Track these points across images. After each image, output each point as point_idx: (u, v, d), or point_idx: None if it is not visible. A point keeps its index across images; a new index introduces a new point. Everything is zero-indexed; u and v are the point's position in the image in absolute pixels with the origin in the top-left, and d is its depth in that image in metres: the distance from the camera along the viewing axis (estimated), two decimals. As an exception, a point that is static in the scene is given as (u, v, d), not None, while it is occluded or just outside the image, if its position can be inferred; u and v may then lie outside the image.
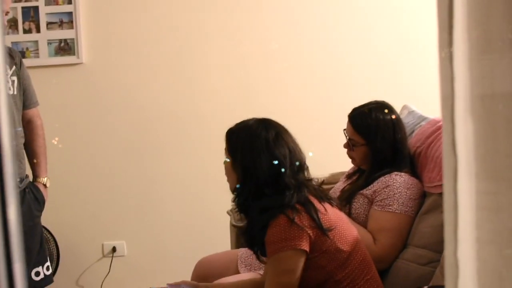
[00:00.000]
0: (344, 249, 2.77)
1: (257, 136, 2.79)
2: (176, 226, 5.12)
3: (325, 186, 3.85)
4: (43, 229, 4.84)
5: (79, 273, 5.18)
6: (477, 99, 1.15)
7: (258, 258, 2.94)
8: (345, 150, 3.54)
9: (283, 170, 2.74)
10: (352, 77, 5.05)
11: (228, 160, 2.85)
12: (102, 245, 5.17)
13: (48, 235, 4.95)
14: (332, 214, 2.80)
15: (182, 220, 5.11)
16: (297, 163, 2.81)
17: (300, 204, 2.72)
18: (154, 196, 5.12)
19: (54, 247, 4.96)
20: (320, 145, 4.91)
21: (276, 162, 2.73)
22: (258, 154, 2.75)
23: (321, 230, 2.70)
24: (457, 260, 1.20)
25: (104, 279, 5.12)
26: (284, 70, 5.10)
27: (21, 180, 3.75)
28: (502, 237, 1.13)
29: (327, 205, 2.83)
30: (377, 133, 3.34)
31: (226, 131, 2.90)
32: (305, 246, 2.68)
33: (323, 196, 2.88)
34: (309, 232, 2.68)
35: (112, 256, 5.15)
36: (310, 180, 2.89)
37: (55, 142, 4.95)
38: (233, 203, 2.94)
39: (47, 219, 4.83)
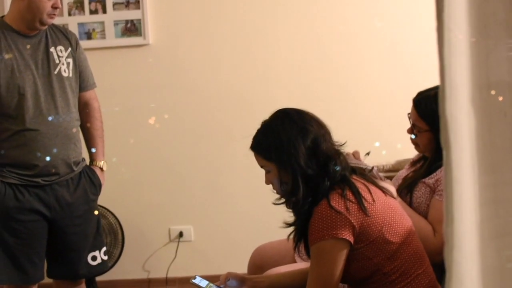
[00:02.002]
0: (393, 241, 2.68)
1: (281, 126, 2.76)
2: (243, 212, 5.08)
3: (390, 174, 3.72)
4: (111, 214, 4.84)
5: (145, 258, 5.18)
6: (476, 90, 1.11)
7: (307, 252, 2.87)
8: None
9: (316, 141, 2.70)
10: (422, 60, 4.87)
11: (269, 168, 2.78)
12: (169, 229, 5.14)
13: (114, 220, 4.94)
14: (380, 205, 2.70)
15: (249, 206, 5.06)
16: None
17: (346, 187, 2.67)
18: (221, 181, 5.09)
19: (120, 231, 4.95)
20: (400, 131, 4.76)
21: (306, 135, 2.70)
22: (290, 138, 2.70)
23: (363, 211, 2.62)
24: (452, 259, 1.16)
25: (171, 264, 5.09)
26: (364, 52, 4.97)
27: (77, 164, 3.70)
28: (504, 229, 1.14)
29: (378, 194, 2.72)
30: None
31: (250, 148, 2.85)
32: (347, 236, 2.61)
33: (373, 182, 2.80)
34: (352, 222, 2.61)
35: (179, 241, 5.11)
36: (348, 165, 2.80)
37: (152, 122, 4.95)
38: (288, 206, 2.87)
39: (114, 203, 4.85)
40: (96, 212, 3.77)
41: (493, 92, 1.06)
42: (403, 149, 4.28)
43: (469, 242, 1.15)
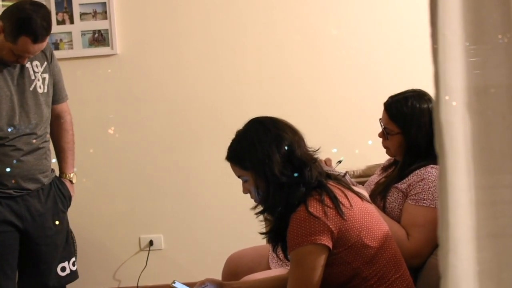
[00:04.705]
0: (372, 245, 2.71)
1: (255, 134, 2.77)
2: (214, 220, 5.09)
3: (360, 179, 3.75)
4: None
5: (116, 267, 5.16)
6: (472, 93, 1.12)
7: (285, 256, 2.88)
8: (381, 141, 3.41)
9: (290, 148, 2.72)
10: (390, 66, 4.93)
11: (246, 177, 2.79)
12: (139, 238, 5.13)
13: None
14: (357, 210, 2.73)
15: (219, 214, 5.06)
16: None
17: (323, 193, 2.69)
18: (190, 189, 5.09)
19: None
20: (358, 137, 4.81)
21: (281, 142, 2.73)
22: (264, 146, 2.72)
23: (341, 216, 2.64)
24: (447, 263, 1.17)
25: (141, 273, 5.08)
26: (322, 60, 5.01)
27: (46, 176, 3.69)
28: (500, 230, 1.15)
29: (355, 199, 2.75)
30: (412, 121, 3.21)
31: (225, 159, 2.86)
32: (326, 241, 2.63)
33: (349, 188, 2.83)
34: (331, 227, 2.63)
35: (149, 250, 5.11)
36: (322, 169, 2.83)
37: (111, 132, 4.93)
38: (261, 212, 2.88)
39: (83, 213, 4.82)
40: (57, 222, 3.76)
41: (490, 96, 1.07)
42: (360, 154, 4.35)
43: (464, 245, 1.16)
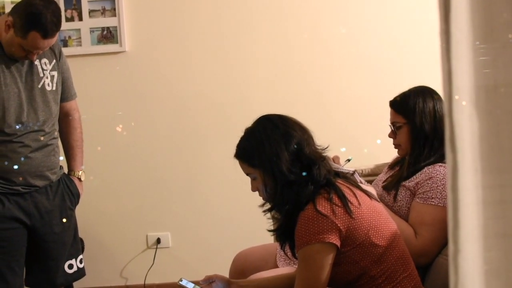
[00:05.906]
0: (380, 244, 2.71)
1: (264, 132, 2.76)
2: (221, 218, 5.09)
3: (369, 178, 3.76)
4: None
5: (123, 265, 5.17)
6: (481, 92, 1.11)
7: (293, 254, 2.88)
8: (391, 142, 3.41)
9: (299, 146, 2.72)
10: (399, 65, 4.93)
11: (254, 175, 2.79)
12: (147, 236, 5.13)
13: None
14: (366, 208, 2.73)
15: (227, 212, 5.07)
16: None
17: (332, 191, 2.68)
18: (198, 187, 5.09)
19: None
20: (366, 136, 4.80)
21: (290, 140, 2.73)
22: (272, 144, 2.72)
23: (349, 214, 2.64)
24: (457, 264, 1.16)
25: (148, 270, 5.09)
26: (330, 58, 5.01)
27: (54, 173, 3.70)
28: (508, 230, 1.14)
29: (363, 197, 2.75)
30: (416, 110, 3.23)
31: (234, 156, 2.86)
32: (334, 240, 2.63)
33: (357, 186, 2.83)
34: (339, 225, 2.63)
35: (156, 248, 5.11)
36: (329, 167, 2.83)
37: (119, 129, 4.94)
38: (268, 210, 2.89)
39: (91, 210, 4.83)
40: (64, 220, 3.76)
41: (500, 94, 1.07)
42: (369, 153, 4.34)
43: (472, 244, 1.15)
